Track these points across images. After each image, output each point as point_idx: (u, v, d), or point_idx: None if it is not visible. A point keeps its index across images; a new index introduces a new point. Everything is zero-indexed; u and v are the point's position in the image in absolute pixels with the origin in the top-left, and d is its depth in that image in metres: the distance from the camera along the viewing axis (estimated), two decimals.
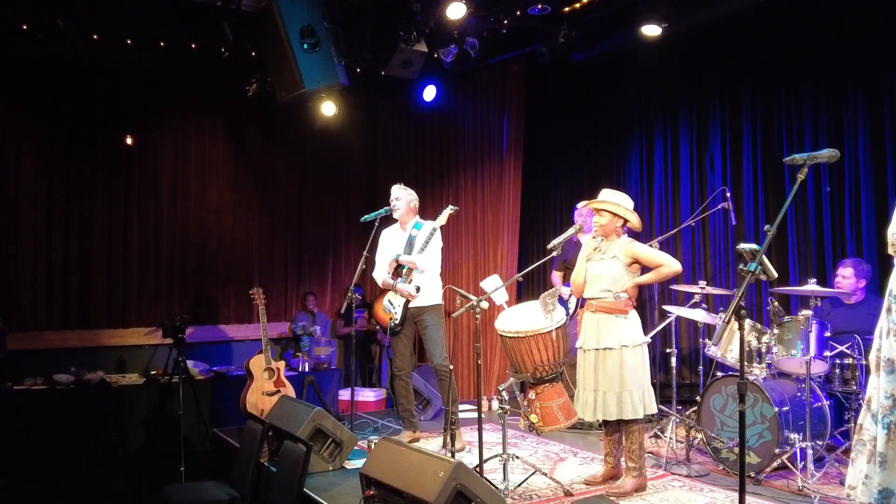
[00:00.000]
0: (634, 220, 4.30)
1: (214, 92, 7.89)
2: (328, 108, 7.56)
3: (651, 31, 5.94)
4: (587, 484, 4.42)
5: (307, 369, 7.14)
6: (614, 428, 4.37)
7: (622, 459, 4.37)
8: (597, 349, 4.16)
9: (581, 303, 6.09)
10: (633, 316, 4.24)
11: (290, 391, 6.17)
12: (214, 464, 6.00)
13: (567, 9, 6.37)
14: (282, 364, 6.26)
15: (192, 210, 7.90)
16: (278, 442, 4.46)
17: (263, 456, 4.41)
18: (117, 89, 7.38)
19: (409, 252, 5.40)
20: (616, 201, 4.29)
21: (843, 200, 5.51)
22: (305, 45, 5.94)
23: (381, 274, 5.52)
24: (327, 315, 8.59)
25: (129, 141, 7.45)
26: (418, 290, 5.31)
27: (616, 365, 4.11)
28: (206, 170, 8.02)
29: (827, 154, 2.87)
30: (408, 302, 5.36)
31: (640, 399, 4.12)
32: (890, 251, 2.74)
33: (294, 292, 8.57)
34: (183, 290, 7.86)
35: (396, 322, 5.37)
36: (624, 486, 4.19)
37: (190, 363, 6.55)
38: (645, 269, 4.33)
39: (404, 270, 5.37)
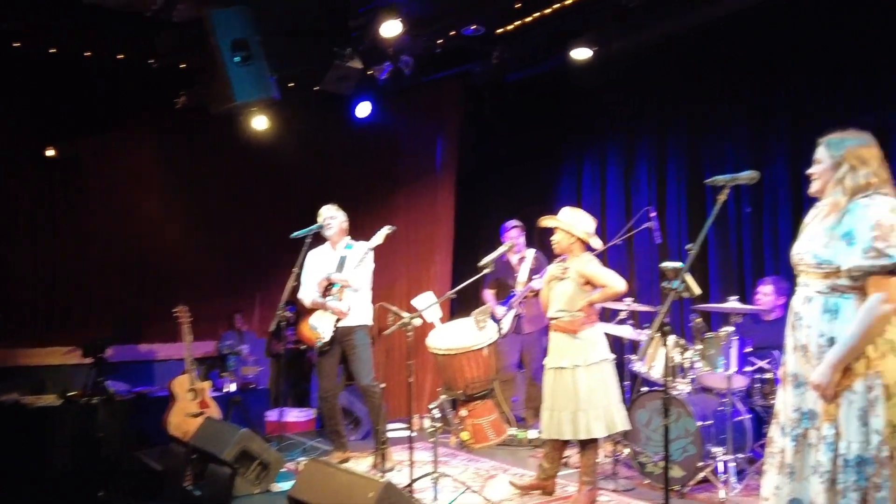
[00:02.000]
0: (587, 238, 4.38)
1: (144, 103, 7.67)
2: (260, 123, 7.46)
3: (581, 53, 6.08)
4: (513, 486, 4.43)
5: (233, 390, 6.95)
6: (555, 445, 4.38)
7: (579, 474, 4.37)
8: (555, 368, 4.25)
9: (519, 321, 6.20)
10: (590, 334, 4.27)
11: (215, 412, 6.00)
12: (136, 488, 5.77)
13: (500, 30, 6.47)
14: (207, 384, 6.10)
15: (117, 224, 7.64)
16: (203, 465, 4.33)
17: (187, 479, 4.27)
18: (42, 100, 7.11)
19: (341, 271, 5.35)
20: (569, 220, 4.37)
21: (763, 220, 5.74)
22: (237, 58, 5.85)
23: (308, 293, 5.44)
24: (256, 333, 8.41)
25: (54, 153, 7.18)
26: (350, 308, 5.26)
27: (570, 384, 4.17)
28: (134, 183, 7.78)
29: (747, 176, 2.97)
30: (338, 321, 5.30)
31: (599, 418, 4.13)
32: (795, 271, 2.87)
33: (221, 310, 8.36)
34: (105, 307, 7.57)
35: (325, 341, 5.29)
36: (580, 501, 4.23)
37: (111, 383, 6.31)
38: None
39: (335, 289, 5.31)
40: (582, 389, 4.15)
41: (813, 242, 2.73)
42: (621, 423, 4.23)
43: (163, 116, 7.62)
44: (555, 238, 4.38)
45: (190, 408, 5.91)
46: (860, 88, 5.23)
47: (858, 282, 2.58)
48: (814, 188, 2.82)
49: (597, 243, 4.43)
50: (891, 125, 5.02)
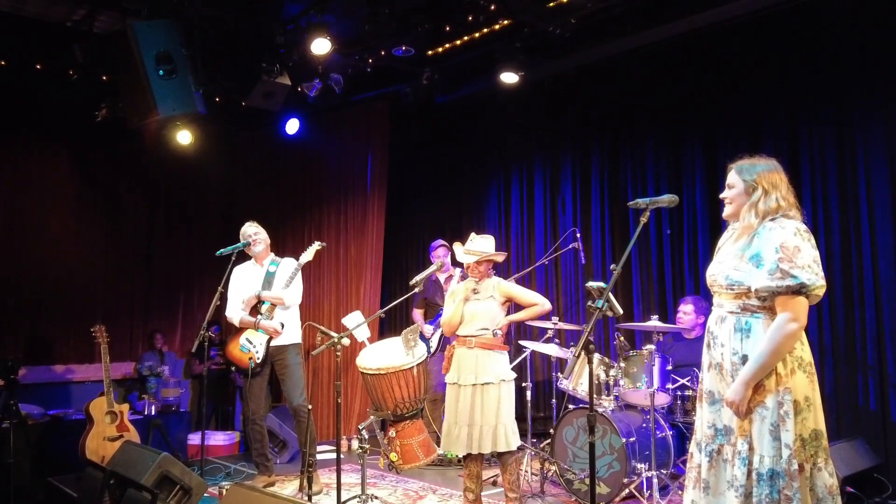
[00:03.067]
0: (500, 259, 4.52)
1: (61, 115, 7.40)
2: (184, 137, 7.29)
3: (509, 78, 6.20)
4: None
5: (153, 412, 6.71)
6: (477, 463, 4.40)
7: (504, 491, 4.38)
8: (475, 384, 4.25)
9: (447, 340, 6.19)
10: (505, 351, 4.40)
11: (134, 436, 5.78)
12: None
13: (430, 52, 6.54)
14: (125, 407, 5.87)
15: (29, 240, 7.31)
16: (121, 490, 4.16)
17: None
18: None
19: (269, 289, 5.26)
20: (490, 249, 4.44)
21: (683, 242, 5.94)
22: (161, 72, 5.72)
23: (236, 312, 5.31)
24: (177, 354, 8.16)
25: None
26: (283, 326, 5.18)
27: (495, 399, 4.22)
28: (48, 198, 7.48)
29: (667, 199, 3.07)
30: (270, 340, 5.19)
31: (514, 432, 4.25)
32: (711, 291, 2.98)
33: (141, 330, 8.08)
34: (17, 326, 7.22)
35: (258, 361, 5.17)
36: None
37: (24, 406, 5.99)
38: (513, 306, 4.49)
39: (265, 307, 5.20)
40: (504, 403, 4.25)
41: (724, 265, 2.85)
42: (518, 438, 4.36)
43: (81, 129, 7.37)
44: (479, 268, 4.42)
45: (108, 431, 5.68)
46: (770, 115, 5.50)
47: (767, 302, 2.70)
48: (728, 212, 2.93)
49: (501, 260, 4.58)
50: (800, 151, 5.30)
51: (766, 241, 2.70)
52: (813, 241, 2.70)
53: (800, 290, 2.61)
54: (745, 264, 2.75)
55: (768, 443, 2.66)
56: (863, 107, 5.04)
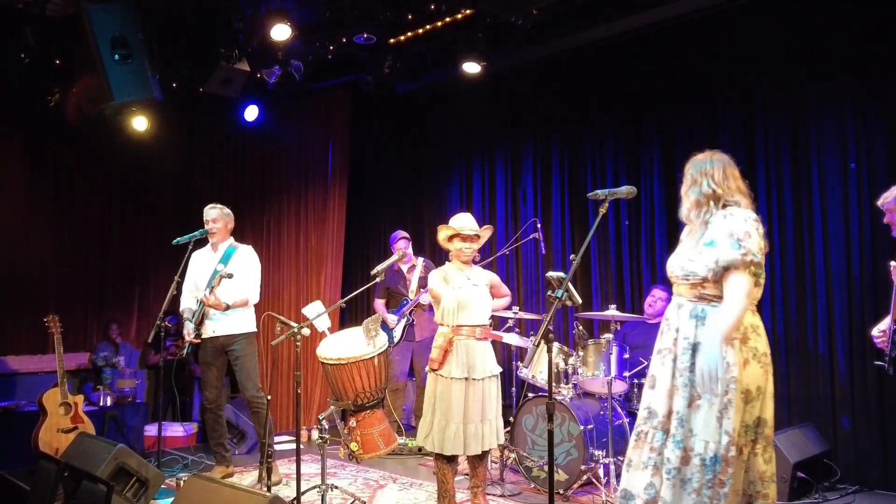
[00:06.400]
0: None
1: (11, 100, 7.18)
2: (140, 123, 7.14)
3: (471, 68, 6.20)
4: None
5: (109, 404, 6.59)
6: (457, 461, 4.23)
7: (475, 484, 4.25)
8: (488, 377, 4.11)
9: (410, 329, 6.18)
10: None
11: (89, 428, 5.67)
12: None
13: (392, 40, 6.49)
14: (80, 398, 5.75)
15: None
16: (75, 483, 4.07)
17: (58, 499, 4.01)
18: None
19: (209, 283, 5.07)
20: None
21: (640, 233, 6.03)
22: (117, 56, 5.59)
23: (187, 302, 5.25)
24: (132, 345, 8.02)
25: None
26: (224, 302, 5.05)
27: (495, 391, 4.16)
28: None
29: (625, 190, 3.13)
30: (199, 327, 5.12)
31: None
32: (672, 281, 3.07)
33: (96, 320, 7.91)
34: None
35: (183, 355, 5.17)
36: None
37: None
38: None
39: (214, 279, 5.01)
40: (498, 395, 4.19)
41: (680, 257, 2.97)
42: None
43: (33, 114, 7.17)
44: (474, 246, 4.26)
45: (62, 423, 5.56)
46: (726, 108, 5.60)
47: (721, 281, 2.79)
48: (681, 209, 3.08)
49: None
50: (755, 143, 5.41)
51: (717, 229, 2.83)
52: (761, 231, 2.83)
53: (751, 263, 2.73)
54: (698, 255, 2.84)
55: (714, 429, 2.75)
56: (816, 99, 5.15)
